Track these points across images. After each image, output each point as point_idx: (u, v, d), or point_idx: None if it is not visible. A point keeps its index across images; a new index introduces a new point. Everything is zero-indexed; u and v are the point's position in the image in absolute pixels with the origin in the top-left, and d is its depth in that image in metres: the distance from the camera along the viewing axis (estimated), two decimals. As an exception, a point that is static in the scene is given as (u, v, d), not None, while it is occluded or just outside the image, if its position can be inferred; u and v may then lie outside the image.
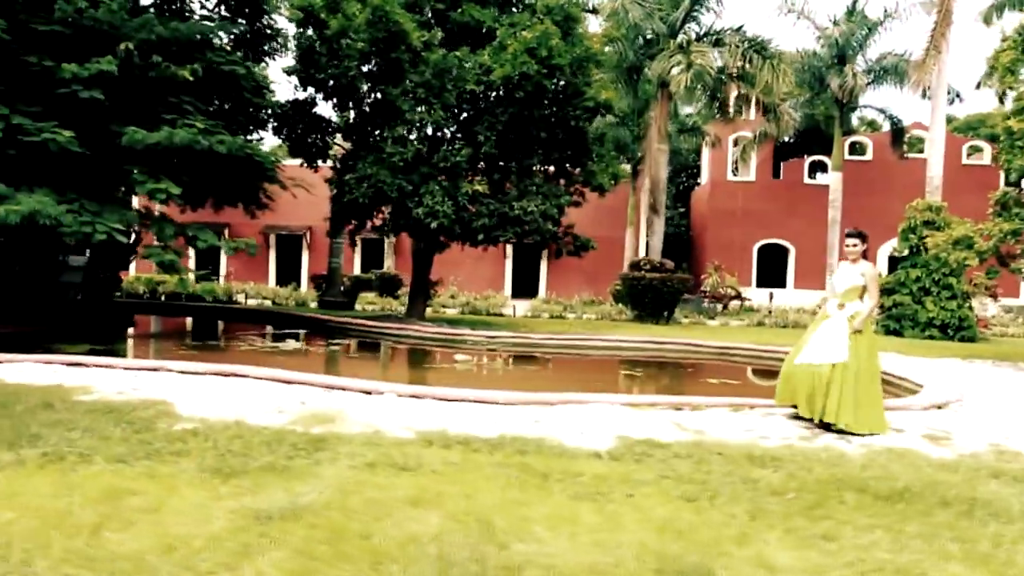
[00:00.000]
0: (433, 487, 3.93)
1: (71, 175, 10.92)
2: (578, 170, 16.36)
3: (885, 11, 26.87)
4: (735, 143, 33.15)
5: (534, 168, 15.63)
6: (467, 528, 3.32)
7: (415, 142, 14.26)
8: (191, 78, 11.43)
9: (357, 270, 35.18)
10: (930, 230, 20.55)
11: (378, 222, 16.61)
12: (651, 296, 21.45)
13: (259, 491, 3.77)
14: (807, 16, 27.58)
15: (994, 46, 28.94)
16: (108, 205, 11.02)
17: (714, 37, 20.60)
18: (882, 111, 29.62)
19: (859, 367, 6.08)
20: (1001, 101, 29.68)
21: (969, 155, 32.76)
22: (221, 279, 33.10)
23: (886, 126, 36.65)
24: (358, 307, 22.97)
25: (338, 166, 16.50)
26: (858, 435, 5.91)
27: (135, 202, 17.32)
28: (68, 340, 10.96)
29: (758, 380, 11.05)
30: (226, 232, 26.35)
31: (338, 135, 17.06)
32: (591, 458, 4.94)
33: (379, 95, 14.66)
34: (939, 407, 7.44)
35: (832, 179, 29.08)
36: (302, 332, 14.40)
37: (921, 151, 33.01)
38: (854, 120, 36.52)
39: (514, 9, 15.18)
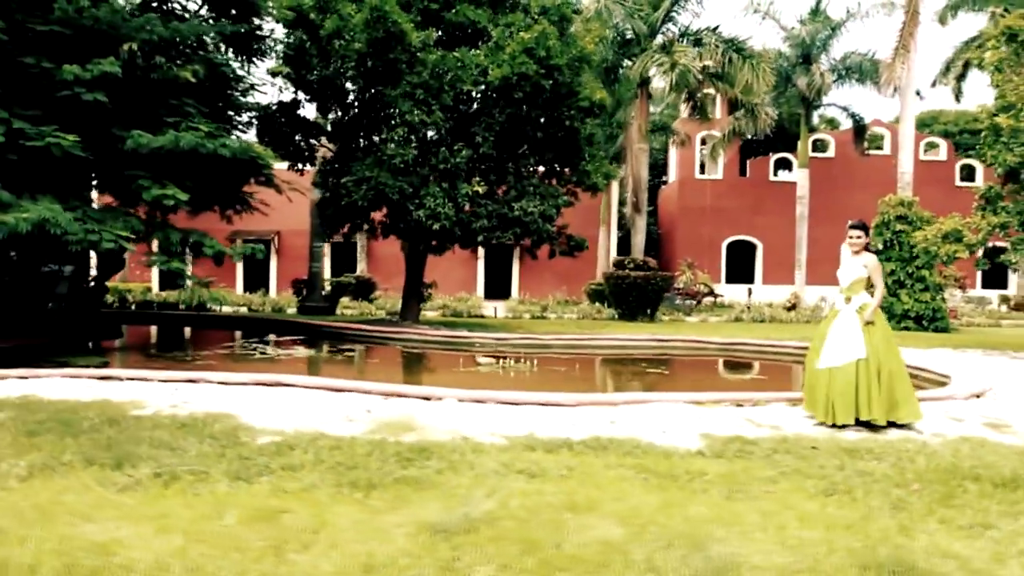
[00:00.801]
0: (579, 492, 3.88)
1: (73, 181, 10.50)
2: (567, 170, 16.37)
3: (847, 11, 27.55)
4: (703, 142, 33.68)
5: (530, 169, 15.60)
6: (647, 533, 3.28)
7: (414, 143, 14.07)
8: (193, 79, 11.10)
9: (328, 274, 34.70)
10: (903, 224, 21.22)
11: (366, 226, 16.41)
12: (636, 294, 21.64)
13: (409, 504, 3.67)
14: (773, 16, 28.14)
15: (953, 44, 29.99)
16: (111, 212, 10.63)
17: (693, 37, 20.86)
18: (845, 109, 30.35)
19: (879, 359, 6.06)
20: (957, 99, 30.87)
21: (926, 151, 33.82)
22: (187, 286, 32.29)
23: (845, 123, 37.69)
24: (338, 312, 22.64)
25: (327, 168, 16.24)
26: (890, 426, 5.92)
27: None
28: (72, 352, 10.55)
29: (784, 375, 11.21)
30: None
31: (323, 137, 16.78)
32: (694, 456, 4.94)
33: (375, 96, 14.42)
34: (977, 396, 7.65)
35: (799, 176, 29.72)
36: (302, 338, 14.11)
37: (880, 148, 34.05)
38: (815, 118, 37.44)
39: (507, 9, 15.10)
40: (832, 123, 39.76)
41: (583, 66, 15.18)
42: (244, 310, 24.67)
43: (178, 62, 11.51)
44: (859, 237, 6.40)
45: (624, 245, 32.74)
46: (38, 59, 9.96)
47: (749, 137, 30.52)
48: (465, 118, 14.73)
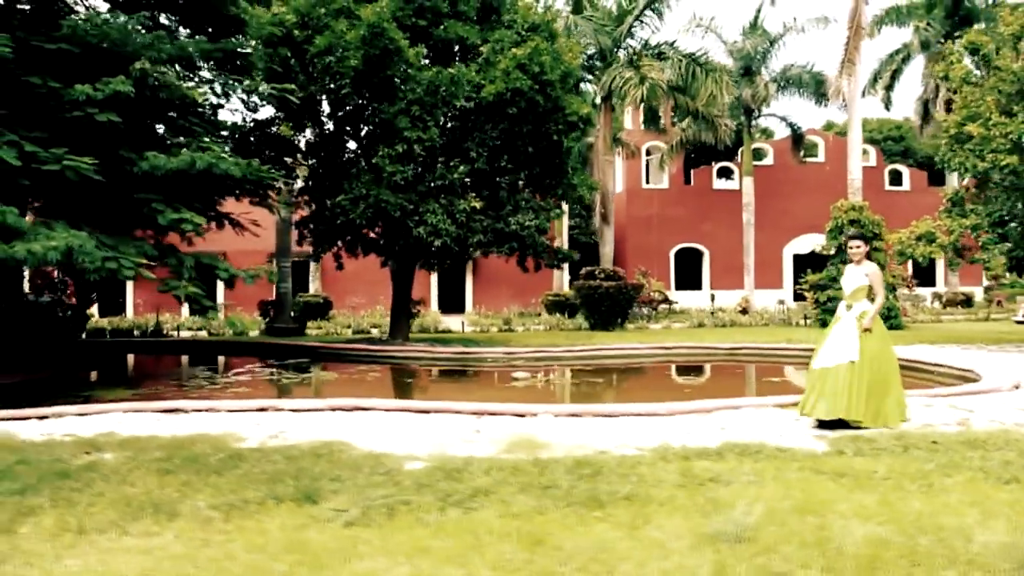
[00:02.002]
0: (792, 495, 3.99)
1: (85, 206, 10.00)
2: (552, 183, 16.55)
3: (784, 25, 28.81)
4: (648, 152, 34.54)
5: (520, 183, 15.72)
6: (904, 527, 3.42)
7: (414, 160, 13.98)
8: (200, 99, 10.76)
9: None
10: (856, 228, 22.29)
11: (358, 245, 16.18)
12: (608, 304, 21.97)
13: (656, 517, 3.70)
14: (715, 31, 29.16)
15: (879, 57, 31.76)
16: (122, 238, 10.15)
17: (655, 51, 21.45)
18: (783, 119, 31.66)
19: (871, 365, 6.25)
20: (887, 108, 32.62)
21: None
22: (129, 311, 31.11)
23: (779, 132, 39.33)
24: (307, 333, 22.16)
25: (309, 186, 15.96)
26: (869, 428, 6.06)
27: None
28: (85, 386, 10.03)
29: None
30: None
31: (298, 155, 16.48)
32: (839, 456, 5.14)
33: (373, 113, 14.26)
34: (1016, 387, 8.17)
35: (745, 184, 30.80)
36: (306, 361, 13.77)
37: (815, 155, 35.66)
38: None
39: (495, 25, 15.20)
40: (766, 132, 41.37)
41: (570, 81, 15.42)
42: (203, 334, 23.86)
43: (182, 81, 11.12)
44: (858, 247, 6.66)
45: (588, 255, 33.10)
46: (44, 79, 9.46)
47: (704, 146, 31.40)
48: (458, 134, 14.73)
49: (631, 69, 19.64)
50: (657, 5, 21.04)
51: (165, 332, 23.20)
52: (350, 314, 28.80)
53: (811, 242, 35.74)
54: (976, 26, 29.23)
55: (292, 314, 22.21)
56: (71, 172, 9.24)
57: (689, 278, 35.67)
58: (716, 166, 35.63)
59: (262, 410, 7.29)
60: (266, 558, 3.26)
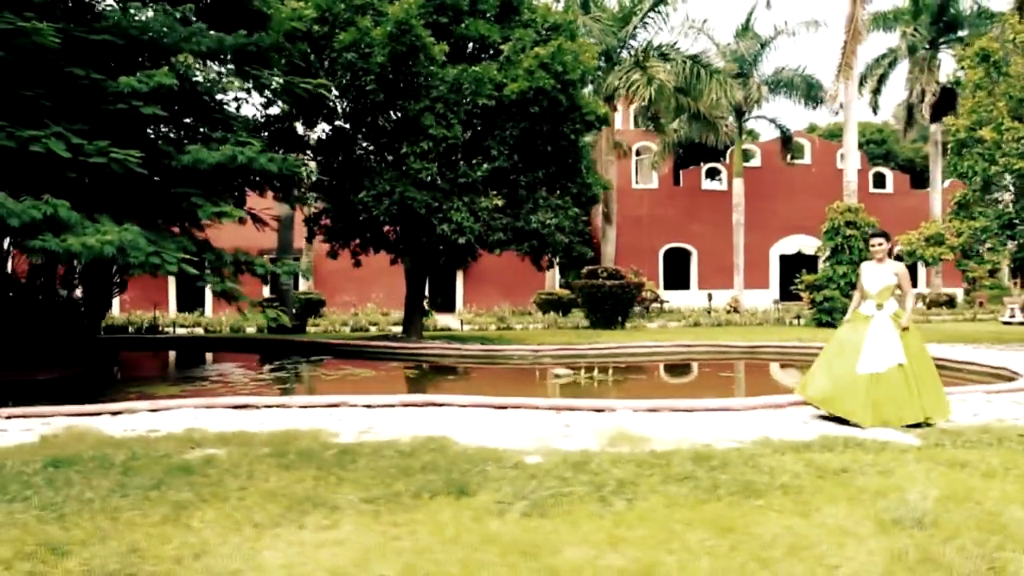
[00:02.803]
0: (934, 483, 4.12)
1: (126, 200, 9.84)
2: (567, 183, 16.64)
3: (775, 28, 29.26)
4: (638, 152, 34.84)
5: (537, 182, 15.77)
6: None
7: (435, 158, 13.97)
8: (242, 92, 10.66)
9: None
10: (852, 230, 22.71)
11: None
12: (611, 303, 22.14)
13: (826, 506, 3.80)
14: (707, 33, 29.50)
15: (865, 61, 32.40)
16: (162, 232, 10.02)
17: (659, 52, 21.65)
18: (772, 120, 32.13)
19: (916, 363, 6.33)
20: (875, 111, 33.25)
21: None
22: (115, 308, 30.57)
23: (765, 134, 39.90)
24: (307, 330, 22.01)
25: (324, 183, 15.86)
26: (925, 425, 6.13)
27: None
28: (122, 382, 9.89)
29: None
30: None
31: (308, 151, 16.37)
32: (937, 448, 5.28)
33: (397, 109, 14.22)
34: (1059, 384, 8.44)
35: (736, 185, 31.20)
36: (326, 358, 13.68)
37: (801, 157, 36.24)
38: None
39: (516, 25, 15.23)
40: (751, 134, 41.90)
41: (585, 81, 15.52)
42: (199, 331, 23.57)
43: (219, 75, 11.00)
44: (880, 245, 6.67)
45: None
46: (87, 70, 9.30)
47: (693, 146, 31.75)
48: (480, 132, 14.75)
49: (639, 70, 19.83)
50: (662, 7, 21.25)
51: (160, 328, 22.86)
52: (341, 312, 28.69)
53: (797, 243, 36.40)
54: (960, 32, 30.06)
55: (293, 311, 22.00)
56: (117, 165, 9.11)
57: (677, 277, 36.05)
58: (705, 167, 36.04)
59: (334, 406, 7.28)
60: (467, 549, 3.29)
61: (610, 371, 11.73)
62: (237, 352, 15.76)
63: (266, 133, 15.53)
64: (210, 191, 10.45)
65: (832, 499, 3.92)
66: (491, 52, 15.18)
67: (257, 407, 7.22)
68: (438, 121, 13.82)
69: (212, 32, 10.66)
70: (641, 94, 19.63)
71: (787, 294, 35.28)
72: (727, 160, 35.33)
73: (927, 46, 30.32)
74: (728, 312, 28.39)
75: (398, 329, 24.32)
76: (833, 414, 6.41)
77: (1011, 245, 14.03)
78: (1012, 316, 23.03)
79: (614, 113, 22.41)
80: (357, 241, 15.75)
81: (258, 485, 4.38)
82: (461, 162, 14.31)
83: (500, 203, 14.53)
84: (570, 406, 6.98)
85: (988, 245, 14.52)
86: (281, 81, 11.69)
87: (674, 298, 33.34)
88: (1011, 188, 13.82)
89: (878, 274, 6.62)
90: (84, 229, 8.65)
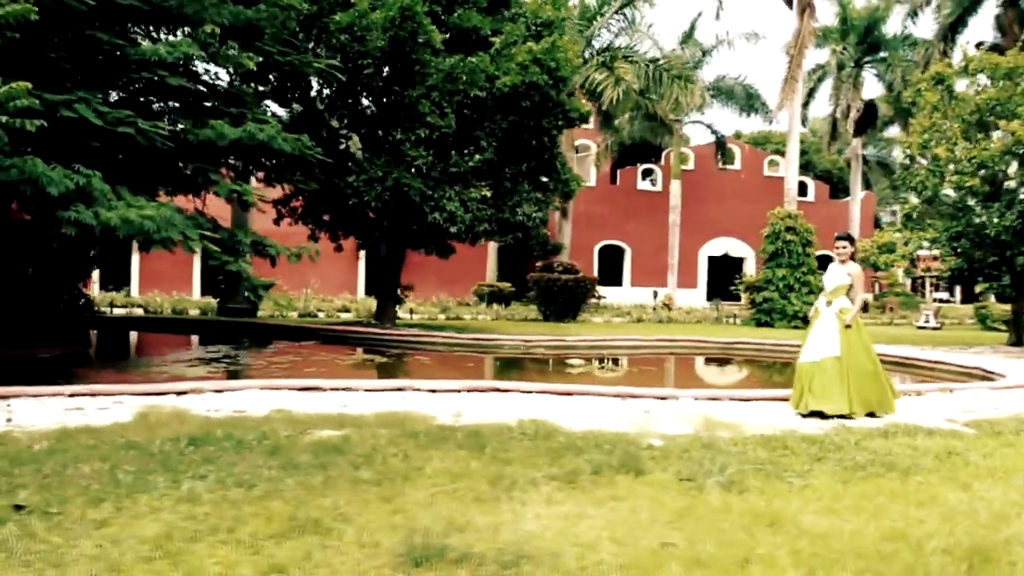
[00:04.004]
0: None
1: (144, 172, 9.44)
2: (544, 177, 16.95)
3: (717, 37, 30.51)
4: (577, 150, 35.46)
5: (520, 175, 15.98)
6: None
7: (429, 146, 13.96)
8: (255, 68, 10.40)
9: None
10: (791, 235, 24.02)
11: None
12: (566, 297, 22.63)
13: (989, 484, 4.24)
14: (652, 38, 30.38)
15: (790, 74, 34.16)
16: (167, 208, 9.65)
17: (622, 54, 22.20)
18: (708, 126, 33.42)
19: (855, 359, 6.57)
20: (803, 124, 35.00)
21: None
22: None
23: (696, 139, 41.30)
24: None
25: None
26: (852, 417, 6.41)
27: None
28: (131, 361, 9.52)
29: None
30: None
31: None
32: (994, 436, 5.85)
33: (392, 95, 14.10)
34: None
35: (673, 187, 32.30)
36: (311, 343, 13.46)
37: (732, 163, 37.80)
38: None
39: (507, 19, 15.37)
40: (683, 138, 43.28)
41: (571, 78, 15.85)
42: (139, 312, 22.56)
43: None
44: (844, 248, 7.03)
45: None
46: (109, 35, 8.89)
47: (629, 147, 32.59)
48: (469, 123, 14.82)
49: (605, 70, 20.31)
50: (627, 9, 21.79)
51: (97, 309, 21.72)
52: (279, 296, 28.04)
53: (725, 245, 38.00)
54: (882, 53, 32.12)
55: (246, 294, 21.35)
56: (142, 137, 8.76)
57: (610, 274, 36.95)
58: (641, 168, 37.06)
59: (400, 390, 7.32)
60: (707, 521, 3.52)
61: (611, 362, 12.10)
62: (205, 333, 15.24)
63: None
64: (221, 168, 10.17)
65: (974, 476, 4.38)
66: (482, 44, 15.24)
67: (324, 389, 7.17)
68: (432, 110, 13.82)
69: (230, 5, 10.34)
70: (608, 95, 20.12)
71: (714, 294, 36.82)
72: (662, 162, 36.48)
73: (853, 64, 32.25)
74: (662, 309, 29.37)
75: (347, 316, 24.07)
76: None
77: (953, 261, 15.27)
78: (927, 321, 24.92)
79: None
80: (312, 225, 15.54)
81: (429, 464, 4.45)
82: (453, 152, 14.36)
83: (488, 194, 14.67)
84: (632, 394, 7.26)
85: (935, 252, 15.76)
86: (294, 60, 11.40)
87: (608, 294, 34.20)
88: (960, 203, 15.03)
89: (836, 273, 6.98)
90: (108, 202, 8.30)
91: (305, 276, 30.67)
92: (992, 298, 27.87)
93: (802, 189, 38.79)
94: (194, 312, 22.71)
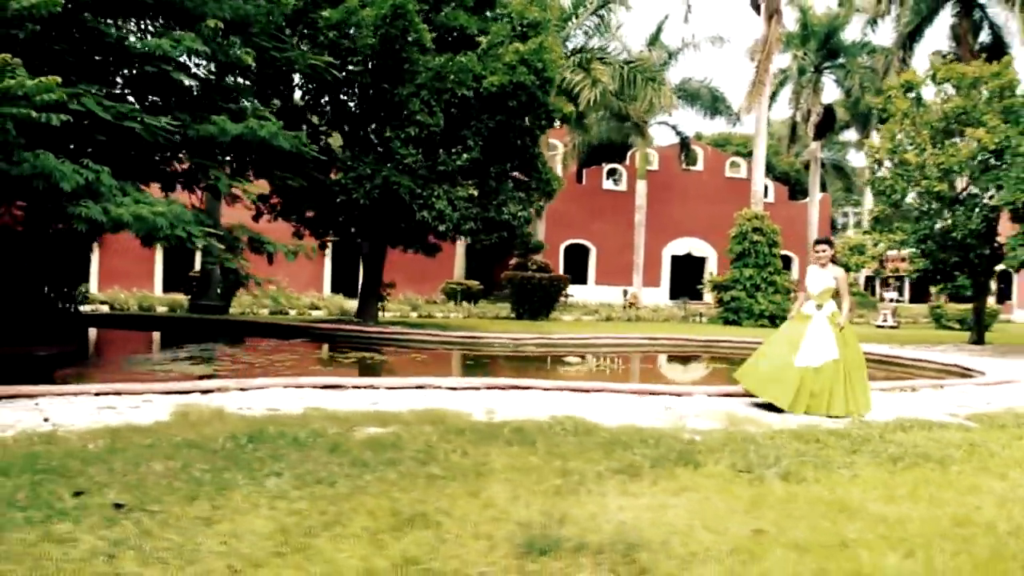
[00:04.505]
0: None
1: (144, 167, 9.30)
2: (525, 176, 17.10)
3: (683, 40, 31.03)
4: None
5: (505, 174, 16.11)
6: None
7: (418, 145, 13.98)
8: (253, 64, 10.33)
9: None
10: (758, 235, 24.63)
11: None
12: (540, 295, 22.85)
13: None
14: (619, 39, 30.78)
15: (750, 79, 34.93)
16: (177, 205, 9.53)
17: (593, 55, 22.47)
18: (674, 128, 34.01)
19: (848, 360, 6.83)
20: (767, 125, 35.66)
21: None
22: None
23: (659, 140, 41.94)
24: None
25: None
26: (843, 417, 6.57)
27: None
28: (124, 360, 9.38)
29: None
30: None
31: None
32: (998, 428, 6.21)
33: (380, 93, 14.06)
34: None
35: (639, 187, 32.80)
36: (299, 341, 13.37)
37: (695, 165, 38.50)
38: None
39: (493, 19, 15.47)
40: (648, 139, 43.87)
41: (556, 77, 16.03)
42: (105, 308, 22.02)
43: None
44: (824, 251, 7.27)
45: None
46: (114, 28, 8.76)
47: (596, 147, 32.94)
48: (456, 122, 14.88)
49: (582, 71, 20.55)
50: (603, 11, 22.08)
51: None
52: (247, 294, 27.67)
53: (687, 245, 38.72)
54: (841, 59, 33.07)
55: (218, 291, 21.04)
56: (147, 132, 8.65)
57: (576, 272, 37.31)
58: (606, 167, 37.51)
59: (420, 387, 7.40)
60: (778, 509, 3.71)
61: (605, 360, 12.29)
62: (189, 331, 14.99)
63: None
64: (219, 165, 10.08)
65: (1005, 466, 4.68)
66: (468, 43, 15.31)
67: (346, 387, 7.21)
68: (421, 108, 13.85)
69: (233, 2, 10.24)
70: (586, 95, 20.37)
71: (677, 293, 37.49)
72: (627, 162, 36.99)
73: (813, 70, 33.14)
74: (629, 308, 29.81)
75: (318, 313, 23.91)
76: (763, 400, 6.93)
77: (921, 262, 15.89)
78: (885, 320, 25.83)
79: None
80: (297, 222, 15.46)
81: (490, 460, 4.56)
82: (440, 150, 14.41)
83: (475, 193, 14.77)
84: (649, 391, 7.48)
85: (903, 254, 16.38)
86: (293, 56, 11.33)
87: (574, 292, 34.54)
88: (928, 206, 15.66)
89: (820, 277, 7.13)
90: (114, 197, 8.18)
91: (273, 274, 30.34)
92: (943, 298, 28.90)
93: (763, 191, 39.76)
94: (162, 309, 22.26)
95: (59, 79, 6.49)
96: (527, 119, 15.70)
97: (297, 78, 15.17)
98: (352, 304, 25.30)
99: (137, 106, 8.62)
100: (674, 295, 37.02)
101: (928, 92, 16.64)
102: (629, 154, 36.51)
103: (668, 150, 37.02)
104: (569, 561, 2.96)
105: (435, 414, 5.97)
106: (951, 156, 14.93)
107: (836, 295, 7.21)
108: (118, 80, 9.09)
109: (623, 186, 37.12)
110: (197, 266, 31.00)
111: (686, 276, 38.36)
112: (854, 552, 3.09)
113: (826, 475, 4.38)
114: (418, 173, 14.06)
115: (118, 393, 6.35)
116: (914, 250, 16.25)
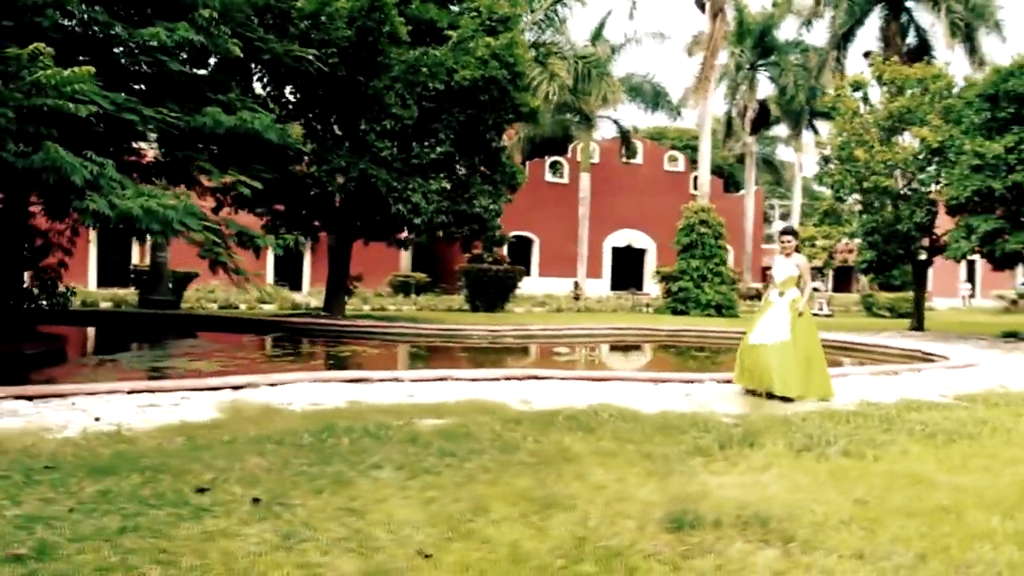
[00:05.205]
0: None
1: (129, 160, 9.04)
2: (493, 169, 17.26)
3: (625, 36, 31.68)
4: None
5: (474, 167, 16.21)
6: None
7: (394, 138, 13.94)
8: (241, 55, 10.16)
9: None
10: (705, 228, 25.45)
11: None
12: (496, 287, 23.06)
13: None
14: (565, 34, 31.18)
15: (693, 73, 35.93)
16: (184, 198, 9.30)
17: (550, 49, 22.75)
18: (616, 122, 34.64)
19: (799, 343, 7.03)
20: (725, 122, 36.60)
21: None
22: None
23: (599, 133, 42.57)
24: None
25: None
26: (796, 400, 6.79)
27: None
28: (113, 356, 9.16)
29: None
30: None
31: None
32: (992, 407, 6.78)
33: (355, 85, 13.94)
34: (974, 364, 10.65)
35: (583, 179, 33.32)
36: (278, 335, 13.20)
37: (634, 158, 39.29)
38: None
39: (455, 8, 15.52)
40: (590, 133, 44.48)
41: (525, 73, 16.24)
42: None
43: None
44: (789, 241, 7.59)
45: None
46: (107, 18, 8.50)
47: (536, 140, 33.27)
48: (428, 115, 14.89)
49: (539, 66, 20.80)
50: (557, 6, 22.38)
51: None
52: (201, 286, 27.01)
53: (627, 237, 39.53)
54: (774, 57, 34.34)
55: (169, 285, 20.42)
56: (143, 124, 8.46)
57: (519, 264, 37.59)
58: (549, 160, 37.89)
59: (442, 379, 7.52)
60: (859, 481, 4.05)
61: (588, 350, 12.58)
62: (160, 327, 14.59)
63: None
64: (218, 159, 9.91)
65: (1026, 440, 5.16)
66: (437, 37, 15.33)
67: (372, 380, 7.26)
68: (397, 101, 13.83)
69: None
70: (544, 89, 20.63)
71: (618, 284, 38.28)
72: (569, 155, 37.47)
73: (749, 67, 34.31)
74: (572, 299, 30.29)
75: (269, 307, 23.45)
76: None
77: (868, 254, 16.80)
78: (820, 309, 27.09)
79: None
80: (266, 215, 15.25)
81: (569, 447, 4.75)
82: (414, 143, 14.41)
83: (448, 186, 14.84)
84: (663, 378, 7.80)
85: (851, 245, 17.29)
86: (277, 48, 11.16)
87: (520, 284, 34.85)
88: (876, 201, 16.57)
89: (784, 266, 7.41)
90: (113, 191, 7.97)
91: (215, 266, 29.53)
92: (874, 287, 30.44)
93: (697, 183, 40.97)
94: (105, 305, 21.46)
95: (92, 69, 6.31)
96: (496, 113, 15.82)
97: (255, 67, 14.89)
98: (299, 298, 24.94)
99: (133, 98, 8.36)
100: (615, 286, 37.74)
101: (873, 92, 17.55)
102: (571, 147, 36.97)
103: (609, 143, 37.67)
104: (719, 533, 3.20)
105: (478, 404, 6.12)
106: (896, 153, 15.83)
107: (800, 282, 7.53)
108: (131, 70, 8.79)
109: (565, 179, 37.58)
110: (135, 259, 30.24)
111: (626, 268, 39.21)
112: (957, 516, 3.43)
113: (881, 452, 4.75)
114: (393, 166, 14.04)
115: (151, 391, 6.25)
116: (863, 242, 17.16)
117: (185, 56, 9.56)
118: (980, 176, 13.40)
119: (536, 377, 7.74)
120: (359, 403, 6.14)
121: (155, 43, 8.54)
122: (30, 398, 5.84)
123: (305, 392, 6.62)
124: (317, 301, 24.02)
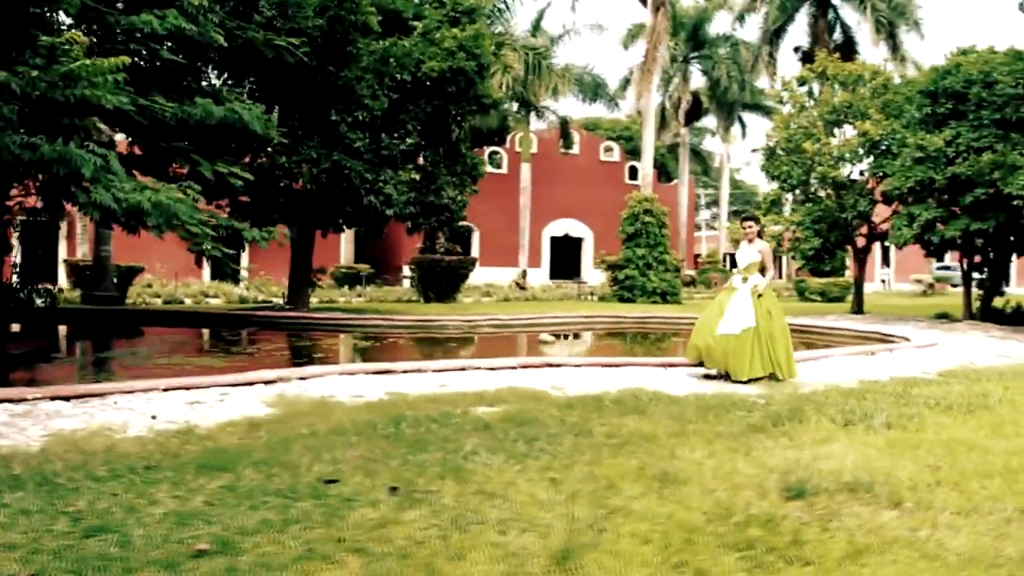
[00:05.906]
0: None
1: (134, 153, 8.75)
2: (456, 161, 17.34)
3: (564, 27, 32.06)
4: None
5: (439, 159, 16.25)
6: None
7: (365, 129, 13.84)
8: (226, 44, 9.96)
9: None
10: (649, 217, 26.12)
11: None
12: (448, 278, 23.10)
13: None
14: (504, 24, 31.35)
15: (628, 65, 36.65)
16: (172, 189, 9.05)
17: (503, 40, 22.84)
18: (554, 112, 35.01)
19: (762, 326, 7.27)
20: (639, 113, 37.43)
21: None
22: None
23: (537, 124, 42.90)
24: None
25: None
26: (755, 380, 7.12)
27: None
28: (111, 353, 8.90)
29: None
30: None
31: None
32: (974, 381, 7.40)
33: (326, 75, 13.74)
34: (935, 344, 11.44)
35: (523, 170, 33.62)
36: (254, 330, 12.96)
37: (571, 148, 39.78)
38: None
39: (429, 4, 15.50)
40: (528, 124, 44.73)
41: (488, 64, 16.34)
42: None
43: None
44: (751, 228, 7.83)
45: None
46: (98, 4, 8.23)
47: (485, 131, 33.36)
48: (395, 106, 14.84)
49: (493, 57, 20.82)
50: (507, -1, 22.54)
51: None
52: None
53: (565, 226, 40.08)
54: (706, 50, 35.39)
55: (114, 280, 19.65)
56: (140, 114, 8.23)
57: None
58: (488, 150, 37.99)
59: (463, 369, 7.66)
60: (914, 448, 4.44)
61: (570, 337, 12.85)
62: (122, 324, 14.09)
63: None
64: (203, 150, 9.69)
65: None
66: (403, 27, 15.26)
67: (396, 372, 7.34)
68: (367, 91, 13.74)
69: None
70: (497, 80, 20.74)
71: (557, 273, 38.80)
72: (508, 145, 37.68)
73: (682, 59, 35.26)
74: (515, 288, 30.61)
75: (215, 301, 22.88)
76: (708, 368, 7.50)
77: (814, 241, 17.66)
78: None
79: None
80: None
81: (635, 428, 5.00)
82: (383, 134, 14.36)
83: (417, 177, 14.86)
84: (670, 363, 8.16)
85: (800, 234, 18.09)
86: (257, 36, 10.95)
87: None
88: (822, 190, 17.45)
89: (746, 252, 7.63)
90: (111, 184, 7.75)
91: (147, 260, 28.52)
92: (805, 273, 31.83)
93: (632, 173, 41.80)
94: (40, 301, 20.46)
95: (127, 59, 6.13)
96: (460, 104, 15.89)
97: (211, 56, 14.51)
98: (236, 291, 24.34)
99: (128, 88, 8.10)
100: (554, 275, 38.25)
101: (814, 86, 18.39)
102: (509, 138, 37.18)
103: (546, 134, 38.00)
104: (839, 499, 3.50)
105: (518, 392, 6.30)
106: (842, 146, 16.70)
107: (762, 268, 7.88)
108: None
109: (504, 169, 37.78)
110: (63, 253, 28.86)
111: (564, 257, 39.77)
112: (1027, 476, 3.85)
113: (918, 423, 5.19)
114: (364, 157, 13.95)
115: (187, 388, 6.18)
116: (809, 231, 18.02)
117: (172, 45, 9.31)
118: (923, 167, 14.31)
119: (551, 365, 7.96)
120: (403, 394, 6.22)
121: (147, 31, 8.29)
122: (67, 398, 5.70)
123: (339, 384, 6.65)
124: (262, 295, 23.58)
